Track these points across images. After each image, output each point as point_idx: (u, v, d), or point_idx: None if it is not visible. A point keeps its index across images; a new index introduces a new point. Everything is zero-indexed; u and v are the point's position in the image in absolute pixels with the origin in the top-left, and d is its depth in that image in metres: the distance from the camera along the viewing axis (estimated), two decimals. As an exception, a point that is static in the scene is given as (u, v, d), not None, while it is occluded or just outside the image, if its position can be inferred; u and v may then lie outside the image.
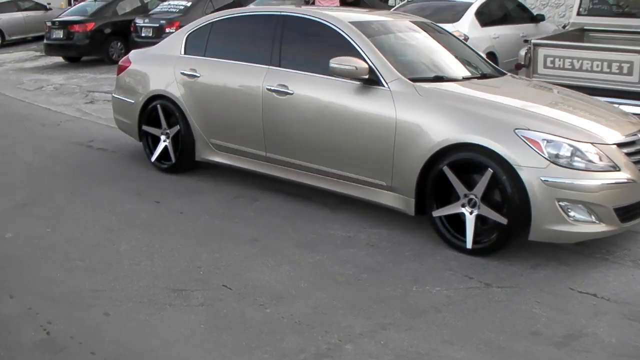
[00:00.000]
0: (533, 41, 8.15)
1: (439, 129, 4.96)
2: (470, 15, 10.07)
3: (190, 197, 6.16)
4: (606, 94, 7.08)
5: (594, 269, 4.73)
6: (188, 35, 6.70)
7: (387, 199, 5.35)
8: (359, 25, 5.70)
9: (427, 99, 5.11)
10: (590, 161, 4.63)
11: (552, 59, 8.02)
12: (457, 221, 4.99)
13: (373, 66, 5.32)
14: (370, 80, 5.32)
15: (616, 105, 6.02)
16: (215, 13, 6.67)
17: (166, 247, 5.04)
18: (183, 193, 6.26)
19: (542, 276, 4.63)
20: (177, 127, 6.57)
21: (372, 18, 6.06)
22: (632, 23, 9.26)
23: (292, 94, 5.70)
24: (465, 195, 4.89)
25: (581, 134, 4.74)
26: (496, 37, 10.23)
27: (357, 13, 6.13)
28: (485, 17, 10.37)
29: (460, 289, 4.43)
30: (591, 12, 9.69)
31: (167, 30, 13.94)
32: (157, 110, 6.74)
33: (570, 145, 4.63)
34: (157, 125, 6.81)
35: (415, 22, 6.37)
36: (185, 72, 6.49)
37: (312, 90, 5.62)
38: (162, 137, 6.78)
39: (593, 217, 4.62)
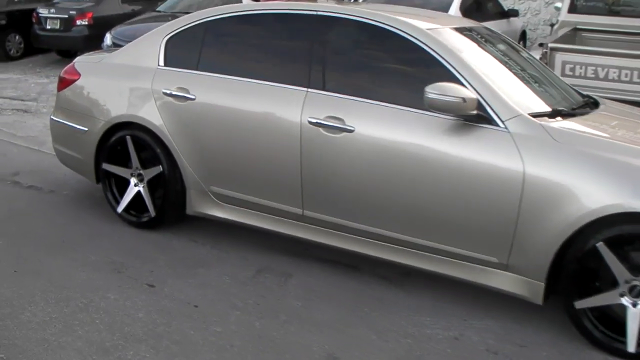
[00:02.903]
0: (550, 45, 6.74)
1: (594, 191, 3.34)
2: (455, 10, 8.44)
3: (195, 274, 4.14)
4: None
5: None
6: (168, 39, 4.59)
7: (500, 281, 3.68)
8: (440, 35, 4.00)
9: (568, 146, 3.44)
10: None
11: (571, 66, 6.66)
12: (602, 312, 3.51)
13: (480, 97, 3.64)
14: (479, 117, 3.62)
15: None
16: (208, 9, 4.62)
17: (207, 384, 3.14)
18: (181, 267, 4.22)
19: None
20: (159, 168, 4.51)
21: (439, 25, 4.20)
22: (625, 23, 8.11)
23: (352, 130, 3.83)
24: (626, 282, 3.42)
25: None
26: (479, 36, 8.75)
27: (414, 16, 4.32)
28: (468, 13, 8.73)
29: None
30: (580, 10, 8.46)
31: (78, 22, 11.31)
32: (125, 144, 4.63)
33: None
34: (125, 163, 4.73)
35: (468, 29, 4.45)
36: (171, 92, 4.41)
37: (383, 126, 3.78)
38: (133, 181, 4.69)
39: None
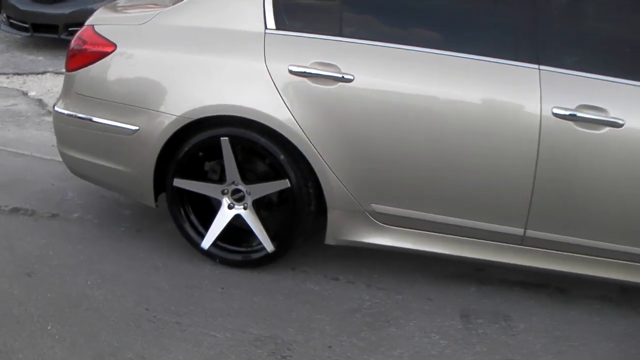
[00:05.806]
0: None
1: None
2: None
3: (389, 339, 2.77)
4: None
5: None
6: (277, -12, 2.98)
7: None
8: None
9: None
10: None
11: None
12: None
13: None
14: None
15: None
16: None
17: None
18: (362, 330, 2.81)
19: None
20: (284, 183, 2.96)
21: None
22: None
23: (620, 125, 2.73)
24: None
25: None
26: None
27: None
28: None
29: None
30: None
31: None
32: (213, 149, 3.01)
33: None
34: (201, 176, 3.15)
35: None
36: (306, 70, 2.87)
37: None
38: (226, 201, 3.13)
39: None
